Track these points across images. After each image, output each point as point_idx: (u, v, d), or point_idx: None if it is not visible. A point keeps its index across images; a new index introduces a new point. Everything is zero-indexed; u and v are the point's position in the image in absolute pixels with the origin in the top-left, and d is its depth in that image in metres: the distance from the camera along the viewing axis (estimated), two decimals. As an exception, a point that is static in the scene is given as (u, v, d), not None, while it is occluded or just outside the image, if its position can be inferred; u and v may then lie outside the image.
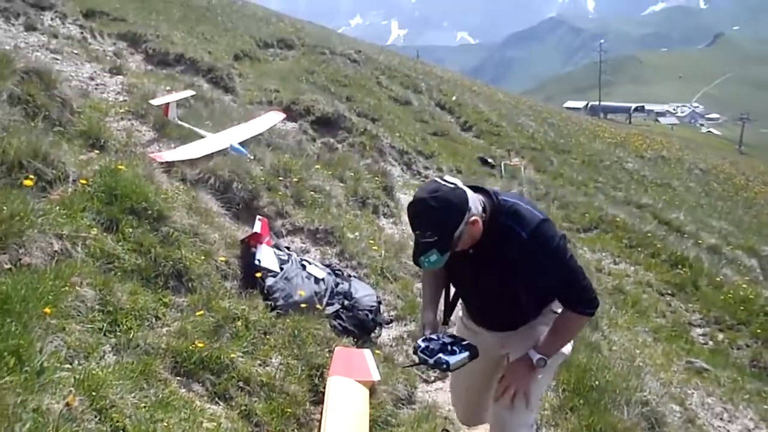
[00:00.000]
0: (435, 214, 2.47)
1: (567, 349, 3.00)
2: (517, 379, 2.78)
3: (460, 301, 2.97)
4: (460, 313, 3.09)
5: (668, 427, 4.15)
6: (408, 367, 3.88)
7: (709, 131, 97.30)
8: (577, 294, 2.71)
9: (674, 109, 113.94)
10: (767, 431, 5.46)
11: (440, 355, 2.64)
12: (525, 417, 2.85)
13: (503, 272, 2.70)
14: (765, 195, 24.69)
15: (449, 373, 3.04)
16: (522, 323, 2.87)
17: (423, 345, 2.68)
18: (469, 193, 2.56)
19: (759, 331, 7.72)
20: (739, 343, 7.59)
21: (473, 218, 2.53)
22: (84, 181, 3.97)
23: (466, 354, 2.67)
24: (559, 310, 2.80)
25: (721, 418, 5.71)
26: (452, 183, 2.53)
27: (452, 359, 2.64)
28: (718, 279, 8.69)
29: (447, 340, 2.72)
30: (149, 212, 4.04)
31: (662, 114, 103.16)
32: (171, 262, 3.88)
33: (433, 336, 2.74)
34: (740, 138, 76.84)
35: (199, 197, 4.78)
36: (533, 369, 2.77)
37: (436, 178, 2.58)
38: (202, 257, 4.08)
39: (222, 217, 4.83)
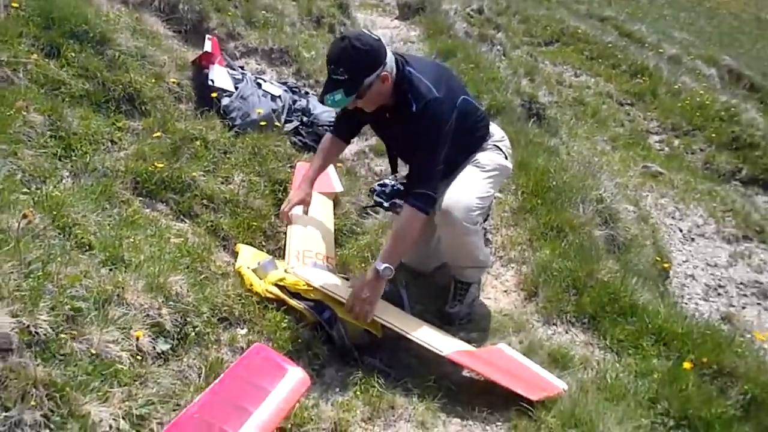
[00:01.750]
0: (354, 55, 2.56)
1: (508, 163, 3.13)
2: (360, 299, 2.78)
3: None
4: None
5: (621, 222, 4.34)
6: (365, 208, 3.89)
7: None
8: (421, 183, 2.75)
9: None
10: (714, 225, 5.74)
11: (395, 200, 2.70)
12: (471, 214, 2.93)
13: (403, 138, 2.85)
14: (728, 5, 24.29)
15: None
16: None
17: (379, 189, 2.74)
18: (389, 51, 2.67)
19: (713, 135, 7.92)
20: (694, 148, 7.82)
21: (385, 73, 2.63)
22: (16, 5, 3.71)
23: None
24: None
25: (672, 217, 5.99)
26: (377, 36, 2.64)
27: None
28: (676, 87, 8.75)
29: (400, 186, 2.75)
30: (91, 35, 3.82)
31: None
32: (120, 86, 3.74)
33: (387, 181, 2.79)
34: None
35: (144, 19, 4.53)
36: (379, 281, 2.79)
37: (363, 29, 2.65)
38: (153, 80, 3.94)
39: (170, 39, 4.61)
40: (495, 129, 3.17)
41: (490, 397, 2.79)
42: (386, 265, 2.77)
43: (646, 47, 10.39)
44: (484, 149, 3.08)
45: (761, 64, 13.12)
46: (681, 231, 5.83)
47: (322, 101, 2.69)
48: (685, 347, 3.04)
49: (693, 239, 5.81)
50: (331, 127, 3.29)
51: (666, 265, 4.70)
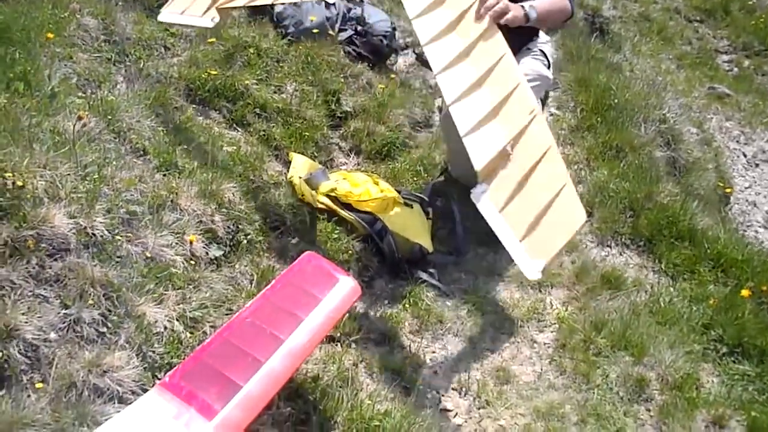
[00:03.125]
0: None
1: (549, 73, 2.94)
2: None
3: None
4: None
5: (683, 144, 4.16)
6: None
7: None
8: None
9: None
10: (781, 151, 5.47)
11: None
12: None
13: None
14: None
15: None
16: None
17: None
18: None
19: (787, 54, 7.46)
20: (765, 69, 7.36)
21: None
22: None
23: None
24: None
25: (737, 141, 5.72)
26: None
27: None
28: (750, 3, 8.19)
29: None
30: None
31: None
32: (173, -10, 3.66)
33: None
34: None
35: None
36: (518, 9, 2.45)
37: None
38: (206, -16, 3.85)
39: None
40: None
41: (539, 315, 2.77)
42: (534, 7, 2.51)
43: (721, -41, 9.71)
44: (531, 50, 2.92)
45: None
46: (745, 156, 5.57)
47: None
48: (744, 274, 2.95)
49: (757, 165, 5.55)
50: None
51: (728, 190, 4.52)
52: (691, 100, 5.88)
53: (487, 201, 2.02)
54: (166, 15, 3.02)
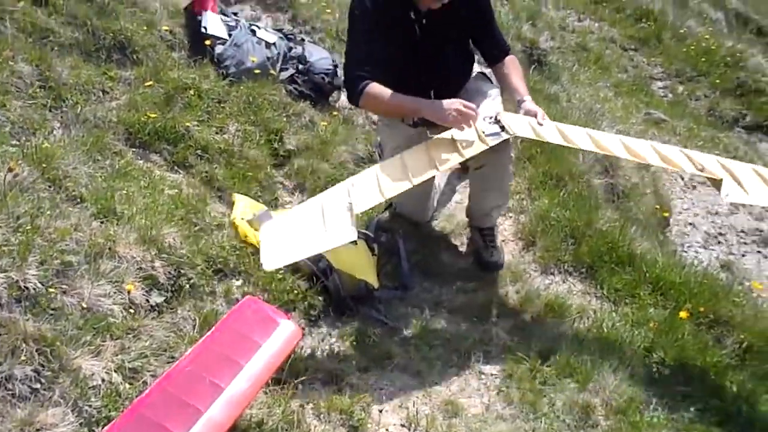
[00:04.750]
0: None
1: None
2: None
3: None
4: None
5: (621, 171, 4.27)
6: None
7: None
8: (504, 42, 3.03)
9: None
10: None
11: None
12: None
13: (458, 30, 2.88)
14: (737, -54, 23.72)
15: None
16: None
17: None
18: None
19: (718, 81, 7.74)
20: (698, 94, 7.66)
21: None
22: (0, -49, 3.59)
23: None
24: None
25: (674, 164, 5.90)
26: None
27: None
28: (682, 32, 8.53)
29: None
30: (80, -19, 3.72)
31: None
32: (111, 34, 3.66)
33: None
34: None
35: (133, -36, 4.40)
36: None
37: None
38: (145, 28, 3.84)
39: (161, -16, 4.48)
40: None
41: (486, 346, 2.79)
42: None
43: (652, -9, 10.11)
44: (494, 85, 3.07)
45: (769, 7, 12.80)
46: (683, 179, 5.75)
47: None
48: (682, 296, 3.02)
49: (694, 187, 5.73)
50: (360, 80, 2.72)
51: (665, 214, 4.65)
52: (629, 126, 6.06)
53: None
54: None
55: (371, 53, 2.69)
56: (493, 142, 2.66)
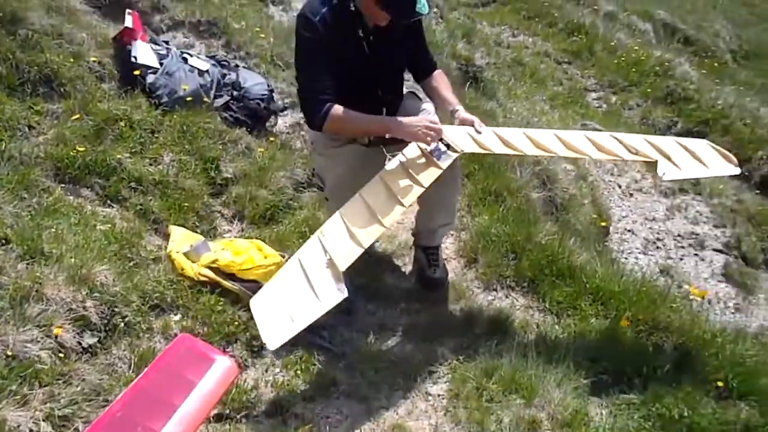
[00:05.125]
0: None
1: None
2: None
3: None
4: None
5: (559, 183, 4.35)
6: None
7: None
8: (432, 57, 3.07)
9: None
10: (651, 180, 5.82)
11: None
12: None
13: (402, 44, 2.92)
14: (662, -41, 24.61)
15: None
16: None
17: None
18: None
19: (649, 90, 7.99)
20: (631, 104, 7.89)
21: None
22: None
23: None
24: None
25: (611, 173, 6.04)
26: None
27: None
28: (612, 44, 8.79)
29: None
30: (1, 15, 3.62)
31: None
32: (36, 68, 3.57)
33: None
34: None
35: (59, -6, 4.30)
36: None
37: None
38: (71, 60, 3.76)
39: (88, 15, 4.39)
40: None
41: (432, 366, 2.78)
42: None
43: (582, 5, 10.38)
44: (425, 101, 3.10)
45: (695, 17, 13.28)
46: (620, 187, 5.89)
47: (410, 16, 2.62)
48: (622, 305, 3.06)
49: (631, 194, 5.88)
50: (322, 104, 2.69)
51: (603, 223, 4.74)
52: (566, 138, 6.17)
53: None
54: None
55: (327, 76, 2.69)
56: (445, 163, 2.68)
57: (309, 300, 2.37)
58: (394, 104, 2.98)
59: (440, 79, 3.02)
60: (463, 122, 2.85)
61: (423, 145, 2.72)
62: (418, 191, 2.63)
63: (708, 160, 2.94)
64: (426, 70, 3.03)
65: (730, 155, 3.02)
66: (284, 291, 2.47)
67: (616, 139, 2.95)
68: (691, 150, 2.96)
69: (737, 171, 2.96)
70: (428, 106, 3.03)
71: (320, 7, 2.67)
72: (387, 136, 2.79)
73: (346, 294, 2.35)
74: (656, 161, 2.85)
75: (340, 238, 2.53)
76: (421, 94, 3.09)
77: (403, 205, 2.58)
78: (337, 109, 2.67)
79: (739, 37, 12.83)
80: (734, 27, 13.46)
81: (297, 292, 2.42)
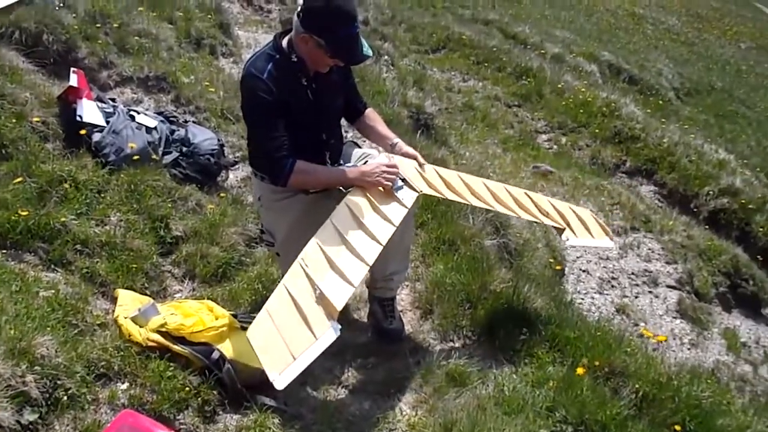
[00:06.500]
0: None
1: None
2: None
3: None
4: None
5: (512, 229, 4.38)
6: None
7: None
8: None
9: None
10: (604, 219, 5.90)
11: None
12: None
13: (341, 87, 2.99)
14: (605, 2, 25.48)
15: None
16: None
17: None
18: None
19: (597, 131, 8.21)
20: (580, 144, 8.08)
21: None
22: None
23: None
24: None
25: (563, 215, 6.12)
26: None
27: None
28: (560, 86, 9.02)
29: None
30: (-61, 75, 3.55)
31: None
32: (-25, 130, 3.48)
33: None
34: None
35: (1, 54, 4.23)
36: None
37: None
38: (14, 120, 3.68)
39: (33, 74, 4.31)
40: None
41: (390, 423, 2.73)
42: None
43: (530, 48, 10.67)
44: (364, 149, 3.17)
45: (638, 57, 13.75)
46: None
47: (359, 59, 2.73)
48: (578, 351, 3.06)
49: (584, 235, 5.97)
50: (285, 160, 2.73)
51: (558, 267, 4.79)
52: (519, 180, 6.28)
53: None
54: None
55: (282, 131, 2.73)
56: (407, 201, 2.75)
57: (305, 337, 2.40)
58: (337, 149, 3.02)
59: (373, 116, 3.11)
60: (406, 155, 2.93)
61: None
62: (390, 229, 2.68)
63: (593, 231, 3.34)
64: (358, 109, 3.11)
65: (607, 228, 3.47)
66: (279, 324, 2.48)
67: (529, 197, 3.26)
68: (581, 218, 3.35)
69: (611, 245, 3.59)
70: (372, 151, 3.07)
71: (265, 64, 2.71)
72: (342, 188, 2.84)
73: (339, 333, 2.39)
74: (563, 228, 3.20)
75: (327, 272, 2.56)
76: (360, 143, 3.15)
77: (380, 243, 2.63)
78: (300, 164, 2.74)
79: (680, 75, 13.33)
80: (675, 65, 13.99)
81: (292, 326, 2.45)
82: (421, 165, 2.93)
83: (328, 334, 2.39)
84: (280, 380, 2.35)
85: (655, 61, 13.61)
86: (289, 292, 2.52)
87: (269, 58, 2.72)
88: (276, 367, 2.38)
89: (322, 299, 2.46)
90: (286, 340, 2.42)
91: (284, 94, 2.70)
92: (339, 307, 2.44)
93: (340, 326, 2.41)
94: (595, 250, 5.65)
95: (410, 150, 2.97)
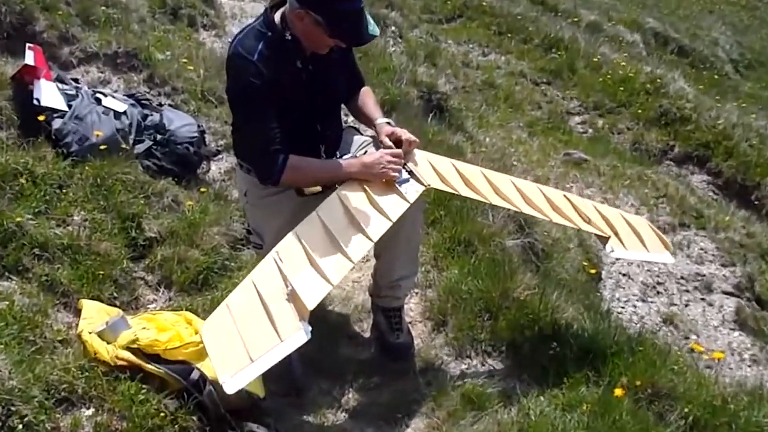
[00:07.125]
0: None
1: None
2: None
3: None
4: None
5: (539, 227, 4.37)
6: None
7: None
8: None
9: None
10: (648, 215, 5.90)
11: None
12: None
13: (339, 68, 3.02)
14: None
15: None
16: None
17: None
18: None
19: (640, 111, 8.16)
20: (620, 127, 8.03)
21: None
22: None
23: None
24: None
25: (600, 211, 6.11)
26: None
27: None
28: (596, 59, 8.98)
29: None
30: None
31: None
32: None
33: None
34: None
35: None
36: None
37: None
38: (-40, 106, 3.72)
39: (-19, 51, 4.37)
40: None
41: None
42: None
43: (561, 16, 10.64)
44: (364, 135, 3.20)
45: (689, 23, 13.70)
46: (611, 225, 5.97)
47: (364, 40, 2.74)
48: (616, 369, 3.05)
49: (624, 233, 5.95)
50: (277, 155, 2.75)
51: (593, 270, 4.78)
52: (547, 171, 6.26)
53: None
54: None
55: (274, 123, 2.74)
56: (410, 195, 2.76)
57: (269, 337, 2.42)
58: (334, 141, 3.04)
59: (367, 95, 3.13)
60: (389, 135, 2.89)
61: None
62: (385, 225, 2.67)
63: (649, 243, 3.24)
64: (355, 87, 3.13)
65: (667, 240, 3.36)
66: (239, 321, 2.50)
67: (569, 200, 3.21)
68: (634, 227, 3.27)
69: (672, 260, 3.49)
70: (369, 139, 3.10)
71: (255, 43, 2.71)
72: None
73: (309, 336, 2.41)
74: (608, 237, 3.14)
75: (303, 268, 2.57)
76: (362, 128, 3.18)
77: (370, 239, 2.64)
78: (293, 159, 2.75)
79: (739, 44, 13.23)
80: (734, 33, 13.88)
81: (254, 324, 2.47)
82: (410, 144, 2.88)
83: (296, 336, 2.40)
84: (231, 383, 2.37)
85: (709, 28, 13.53)
86: (255, 287, 2.55)
87: (260, 36, 2.72)
88: (228, 368, 2.40)
89: (293, 297, 2.47)
90: (245, 339, 2.44)
91: (276, 78, 2.71)
92: (310, 306, 2.44)
93: (311, 328, 2.42)
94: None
95: (398, 130, 2.92)
